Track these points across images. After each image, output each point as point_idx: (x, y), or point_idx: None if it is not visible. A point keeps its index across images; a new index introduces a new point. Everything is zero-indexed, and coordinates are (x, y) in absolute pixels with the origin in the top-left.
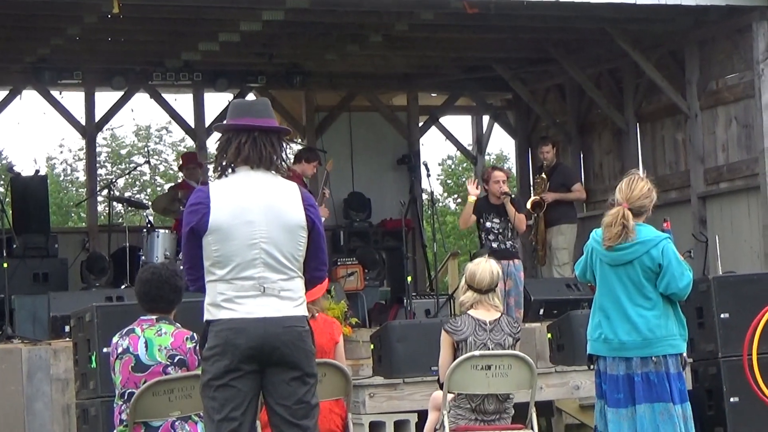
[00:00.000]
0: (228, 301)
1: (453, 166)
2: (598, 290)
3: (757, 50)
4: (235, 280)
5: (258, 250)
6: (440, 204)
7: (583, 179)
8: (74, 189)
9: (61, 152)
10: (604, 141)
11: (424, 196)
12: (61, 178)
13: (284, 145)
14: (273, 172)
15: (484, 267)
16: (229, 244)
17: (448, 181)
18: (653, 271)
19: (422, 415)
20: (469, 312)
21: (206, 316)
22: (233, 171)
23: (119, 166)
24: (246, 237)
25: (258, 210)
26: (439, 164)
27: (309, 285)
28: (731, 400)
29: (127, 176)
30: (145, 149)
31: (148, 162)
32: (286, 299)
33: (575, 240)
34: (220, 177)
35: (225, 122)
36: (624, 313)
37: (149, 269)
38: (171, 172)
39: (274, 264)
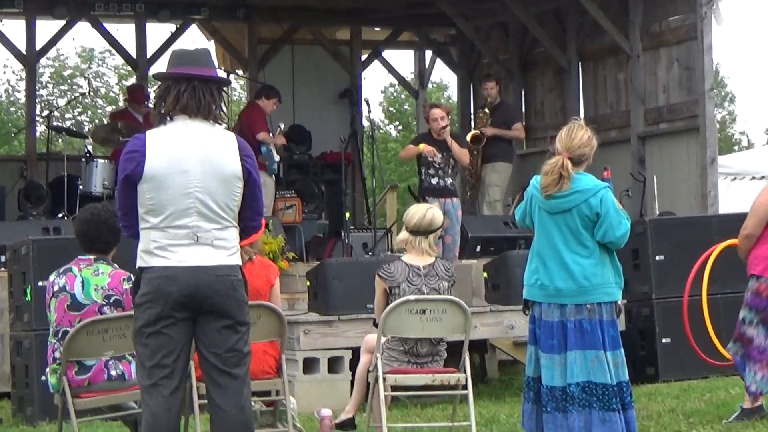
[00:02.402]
0: (161, 249)
1: (395, 94)
2: (536, 236)
3: None
4: (168, 228)
5: (192, 200)
6: (381, 131)
7: (524, 117)
8: (15, 112)
9: (4, 73)
10: (546, 79)
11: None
12: (2, 98)
13: (224, 95)
14: (211, 121)
15: (418, 207)
16: (164, 193)
17: (390, 108)
18: (591, 220)
19: (356, 352)
20: (402, 258)
21: (139, 263)
22: (171, 119)
23: (61, 87)
24: (181, 186)
25: (194, 159)
26: (382, 92)
27: (244, 235)
28: (663, 341)
29: (69, 100)
30: (88, 73)
31: (90, 92)
32: (220, 248)
33: (509, 179)
34: (158, 125)
35: (165, 70)
36: (561, 260)
37: (89, 210)
38: (112, 94)
39: (208, 213)
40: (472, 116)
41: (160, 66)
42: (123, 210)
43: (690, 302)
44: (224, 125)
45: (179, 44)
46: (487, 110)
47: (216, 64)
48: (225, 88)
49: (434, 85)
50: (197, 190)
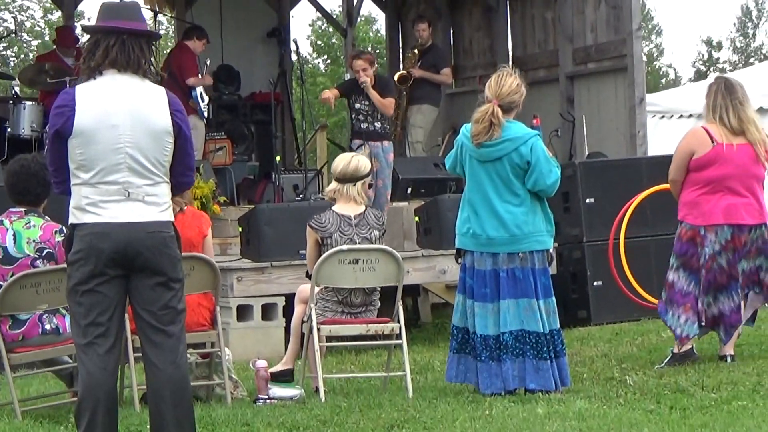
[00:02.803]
0: (92, 205)
1: (323, 28)
2: (467, 185)
3: None
4: (99, 184)
5: (123, 155)
6: (310, 65)
7: (452, 56)
8: None
9: None
10: (474, 18)
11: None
12: None
13: (153, 49)
14: (140, 76)
15: (343, 156)
16: (94, 148)
17: (318, 42)
18: (522, 168)
19: (289, 299)
20: (333, 208)
21: (71, 220)
22: (101, 74)
23: None
24: (110, 141)
25: (123, 114)
26: (309, 25)
27: (176, 190)
28: (594, 284)
29: None
30: (12, 6)
31: (16, 29)
32: (151, 204)
33: (434, 122)
34: (87, 80)
35: (94, 24)
36: (492, 209)
37: (18, 161)
38: (38, 28)
39: (139, 169)
40: (401, 55)
41: (86, 5)
42: (54, 166)
43: (620, 245)
44: (154, 80)
45: None
46: (416, 51)
47: (145, 17)
48: (154, 42)
49: (363, 19)
50: (127, 145)
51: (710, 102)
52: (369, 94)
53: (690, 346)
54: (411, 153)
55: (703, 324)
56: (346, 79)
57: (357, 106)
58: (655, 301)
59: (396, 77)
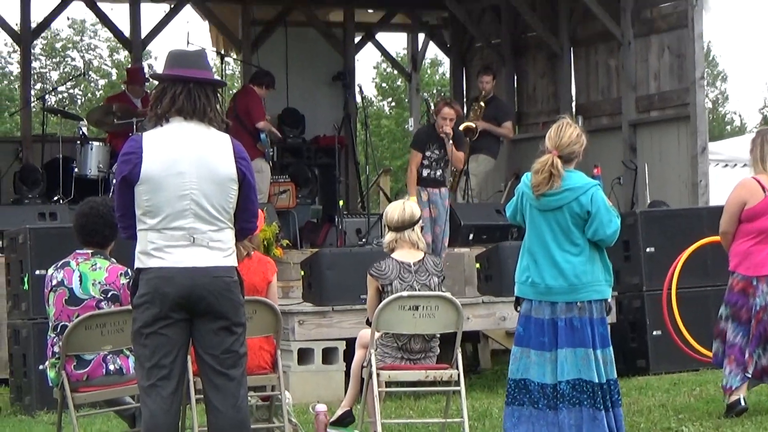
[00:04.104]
0: (158, 250)
1: (388, 70)
2: (527, 234)
3: None
4: (165, 229)
5: (188, 201)
6: (374, 107)
7: (516, 101)
8: (6, 83)
9: None
10: (538, 64)
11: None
12: None
13: (218, 96)
14: (206, 123)
15: (395, 205)
16: (160, 195)
17: (383, 85)
18: (582, 218)
19: (350, 343)
20: (392, 255)
21: (137, 264)
22: (167, 121)
23: (53, 60)
24: (177, 188)
25: (189, 161)
26: (374, 67)
27: (239, 236)
28: (654, 333)
29: (65, 79)
30: (80, 45)
31: (84, 71)
32: (216, 250)
33: (488, 172)
34: (154, 127)
35: (162, 72)
36: (551, 257)
37: (88, 203)
38: (105, 67)
39: (204, 215)
40: (465, 99)
41: (154, 46)
42: (121, 211)
43: (672, 296)
44: (220, 127)
45: (173, 25)
46: (482, 104)
47: (211, 65)
48: (220, 90)
49: (428, 61)
50: (193, 192)
51: (757, 153)
52: (447, 145)
53: (737, 397)
54: (461, 200)
55: (750, 375)
56: (410, 123)
57: (428, 153)
58: (706, 352)
59: (461, 128)
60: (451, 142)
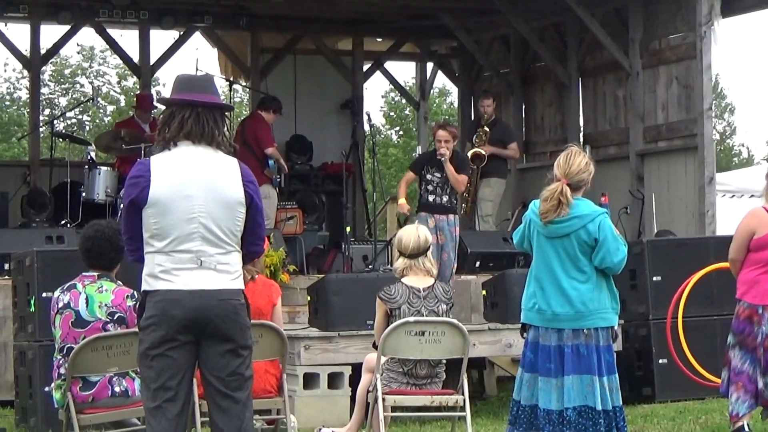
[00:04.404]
0: (165, 272)
1: (396, 99)
2: (534, 261)
3: (700, 12)
4: (173, 252)
5: (196, 224)
6: (382, 136)
7: (524, 130)
8: (15, 108)
9: (5, 71)
10: (546, 94)
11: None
12: (5, 96)
13: (226, 120)
14: (214, 147)
15: (409, 232)
16: (168, 218)
17: (391, 114)
18: (589, 245)
19: (356, 368)
20: (402, 280)
21: (144, 287)
22: (175, 145)
23: (62, 86)
24: (185, 211)
25: (197, 185)
26: (383, 96)
27: (246, 259)
28: (660, 361)
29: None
30: (89, 71)
31: (92, 99)
32: (223, 273)
33: (502, 194)
34: (162, 150)
35: (169, 96)
36: (558, 284)
37: (93, 226)
38: (114, 94)
39: (211, 238)
40: (472, 130)
41: (163, 73)
42: (128, 234)
43: (685, 323)
44: (227, 151)
45: (182, 52)
46: (487, 129)
47: (218, 89)
48: (227, 113)
49: (437, 90)
50: (201, 215)
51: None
52: (445, 167)
53: (741, 424)
54: (481, 227)
55: (758, 404)
56: (418, 152)
57: (429, 177)
58: (715, 379)
59: (469, 154)
60: (448, 162)
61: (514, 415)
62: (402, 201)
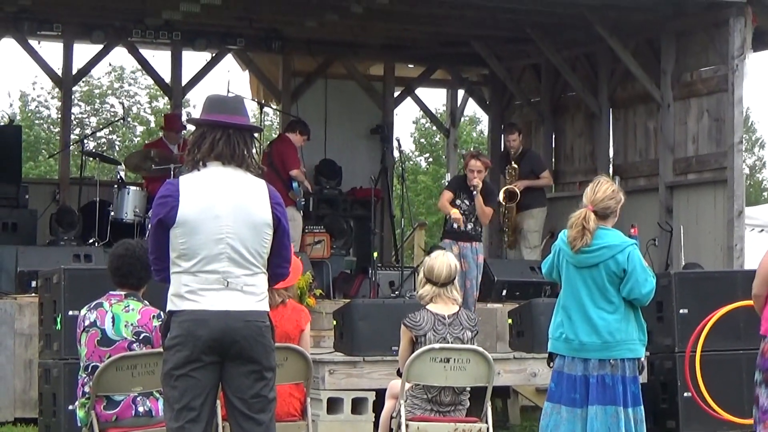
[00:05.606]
0: (192, 293)
1: (426, 126)
2: (562, 290)
3: (732, 45)
4: (200, 272)
5: (224, 245)
6: (411, 162)
7: (553, 160)
8: (46, 125)
9: (34, 89)
10: (576, 123)
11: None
12: (35, 112)
13: (255, 142)
14: (243, 169)
15: (442, 261)
16: (196, 238)
17: (421, 140)
18: (618, 276)
19: (380, 394)
20: (428, 307)
21: (169, 307)
22: (205, 165)
23: (93, 106)
24: (212, 232)
25: (226, 206)
26: (413, 122)
27: (271, 281)
28: (685, 394)
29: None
30: (119, 92)
31: (123, 119)
32: (249, 294)
33: (545, 222)
34: (191, 170)
35: (200, 117)
36: (586, 314)
37: (123, 245)
38: (144, 115)
39: (238, 259)
40: (503, 163)
41: (194, 94)
42: (155, 254)
43: (710, 357)
44: (257, 173)
45: (214, 73)
46: (515, 165)
47: (248, 111)
48: (257, 135)
49: (467, 118)
50: (229, 236)
51: None
52: (475, 199)
53: None
54: (526, 257)
55: None
56: (447, 178)
57: (458, 202)
58: (726, 415)
59: (501, 195)
60: (479, 195)
61: None
62: (455, 210)
